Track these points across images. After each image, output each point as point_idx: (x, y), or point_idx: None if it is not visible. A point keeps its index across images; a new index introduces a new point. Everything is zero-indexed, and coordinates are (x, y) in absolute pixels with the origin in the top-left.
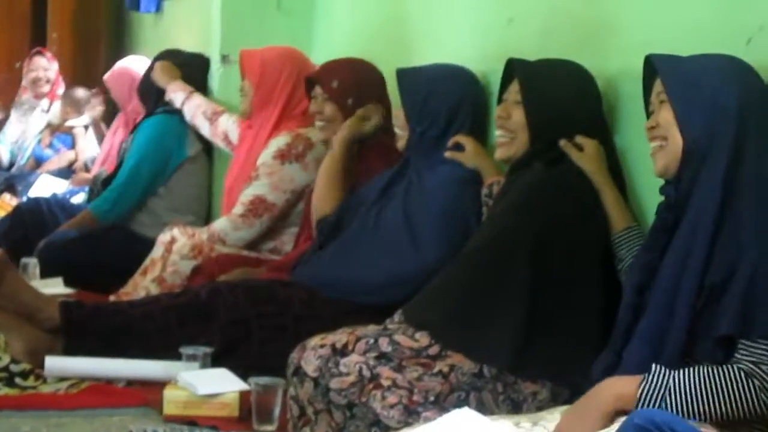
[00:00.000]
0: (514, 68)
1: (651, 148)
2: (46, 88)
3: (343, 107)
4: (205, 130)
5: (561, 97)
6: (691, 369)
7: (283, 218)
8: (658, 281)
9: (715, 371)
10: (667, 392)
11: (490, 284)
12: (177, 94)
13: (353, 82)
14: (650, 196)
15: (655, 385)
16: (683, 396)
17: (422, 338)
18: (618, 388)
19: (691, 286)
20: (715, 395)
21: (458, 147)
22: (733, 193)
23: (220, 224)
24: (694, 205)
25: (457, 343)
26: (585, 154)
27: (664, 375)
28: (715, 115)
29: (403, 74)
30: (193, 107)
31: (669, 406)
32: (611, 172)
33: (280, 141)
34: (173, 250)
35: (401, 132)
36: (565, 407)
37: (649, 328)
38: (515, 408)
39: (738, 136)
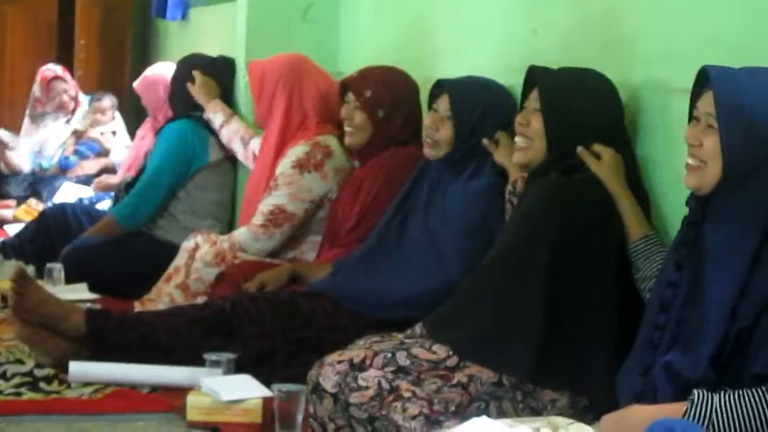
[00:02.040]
0: (534, 76)
1: (687, 161)
2: (72, 105)
3: (373, 118)
4: (239, 154)
5: (579, 105)
6: (733, 393)
7: (302, 227)
8: (683, 309)
9: (758, 393)
10: (715, 416)
11: (507, 296)
12: (216, 115)
13: (386, 93)
14: (672, 206)
15: (701, 412)
16: (731, 420)
17: (440, 350)
18: (660, 416)
19: (718, 326)
20: (759, 415)
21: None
22: None
23: (240, 235)
24: (728, 238)
25: (477, 356)
26: (602, 163)
27: (708, 401)
28: (764, 156)
29: (454, 87)
30: (231, 132)
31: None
32: (630, 182)
33: (298, 150)
34: (196, 257)
35: (431, 140)
36: (585, 427)
37: (678, 360)
38: (535, 416)
39: None
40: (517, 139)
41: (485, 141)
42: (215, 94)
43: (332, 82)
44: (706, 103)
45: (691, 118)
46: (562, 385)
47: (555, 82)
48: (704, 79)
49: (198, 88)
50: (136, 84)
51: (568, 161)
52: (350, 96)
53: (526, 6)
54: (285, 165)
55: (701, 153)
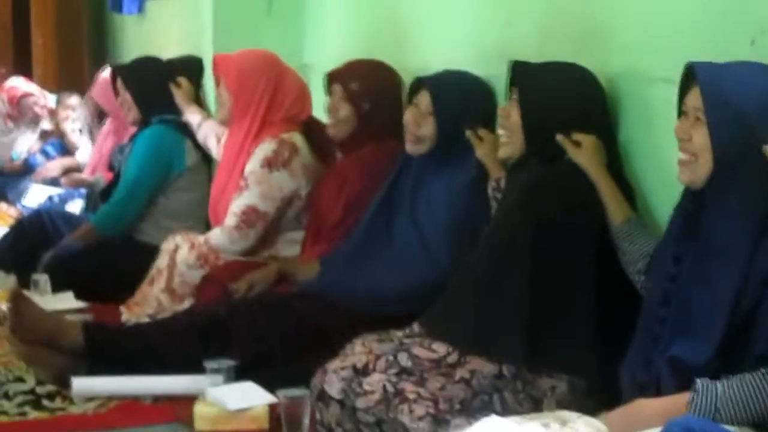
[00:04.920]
0: (514, 70)
1: (679, 156)
2: (44, 113)
3: (359, 110)
4: (214, 151)
5: (555, 95)
6: (735, 379)
7: (274, 226)
8: (686, 301)
9: (759, 377)
10: (720, 404)
11: (495, 287)
12: (194, 117)
13: (373, 87)
14: (654, 190)
15: (706, 402)
16: (734, 406)
17: (439, 348)
18: (666, 408)
19: (724, 311)
20: (761, 399)
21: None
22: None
23: (215, 238)
24: (726, 230)
25: (474, 349)
26: (581, 150)
27: (711, 390)
28: (752, 145)
29: (434, 83)
30: (207, 130)
31: (722, 418)
32: (612, 168)
33: (265, 148)
34: (179, 260)
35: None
36: (592, 419)
37: (683, 349)
38: (536, 404)
39: None
40: (499, 132)
41: (468, 133)
42: (193, 98)
43: (302, 79)
44: (694, 98)
45: (680, 113)
46: (555, 368)
47: (531, 73)
48: (691, 75)
49: (183, 93)
50: (91, 92)
51: (548, 152)
52: (336, 87)
53: None
54: (253, 164)
55: (692, 147)
